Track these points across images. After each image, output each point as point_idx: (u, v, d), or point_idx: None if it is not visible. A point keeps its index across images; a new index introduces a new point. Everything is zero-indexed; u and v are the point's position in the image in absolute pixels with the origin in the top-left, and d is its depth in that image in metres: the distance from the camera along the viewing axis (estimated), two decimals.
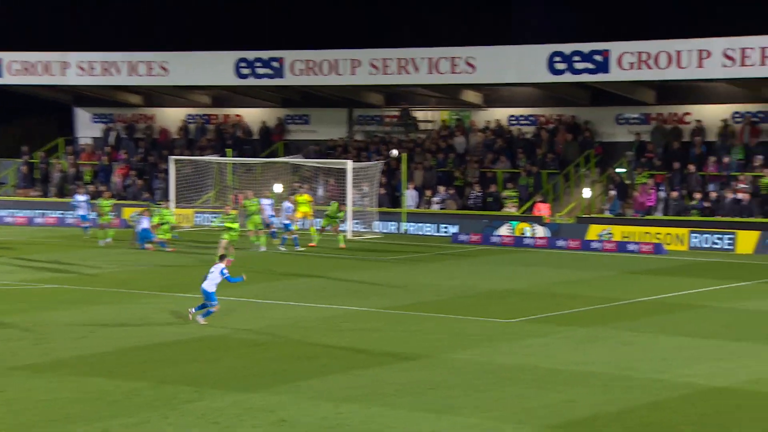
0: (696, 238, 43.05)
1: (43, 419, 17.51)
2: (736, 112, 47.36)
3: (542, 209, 46.79)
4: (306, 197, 45.90)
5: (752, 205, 43.53)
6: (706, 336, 25.59)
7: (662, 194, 45.57)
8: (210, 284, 26.14)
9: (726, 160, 45.66)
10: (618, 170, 47.43)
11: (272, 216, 44.49)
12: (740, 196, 43.70)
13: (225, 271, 26.33)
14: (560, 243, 43.90)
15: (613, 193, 46.45)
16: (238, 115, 58.46)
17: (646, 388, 20.64)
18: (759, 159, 44.77)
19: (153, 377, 20.62)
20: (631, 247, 42.51)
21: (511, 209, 47.97)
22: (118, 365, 21.72)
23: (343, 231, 45.05)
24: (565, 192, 49.07)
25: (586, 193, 47.40)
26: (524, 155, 50.14)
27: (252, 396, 19.24)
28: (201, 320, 26.11)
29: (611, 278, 36.13)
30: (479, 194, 49.16)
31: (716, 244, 42.73)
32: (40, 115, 76.47)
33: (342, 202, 46.90)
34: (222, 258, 27.62)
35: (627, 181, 46.99)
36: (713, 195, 44.43)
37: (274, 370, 21.51)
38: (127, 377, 20.57)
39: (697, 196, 44.64)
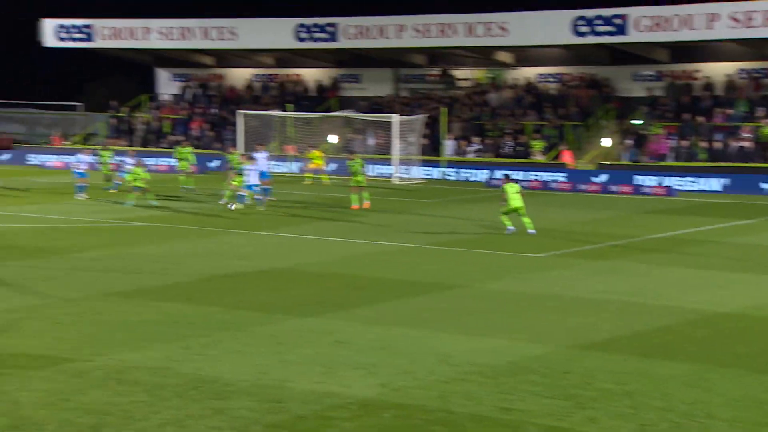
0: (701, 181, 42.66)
1: (134, 337, 17.77)
2: (741, 69, 46.82)
3: (566, 156, 46.51)
4: (317, 153, 46.24)
5: (754, 152, 43.03)
6: (713, 268, 25.37)
7: (673, 143, 45.15)
8: None
9: (730, 112, 45.09)
10: (634, 122, 47.01)
11: (265, 172, 38.41)
12: (743, 144, 43.20)
13: None
14: (582, 187, 43.64)
15: (629, 142, 46.06)
16: (297, 75, 58.39)
17: (657, 314, 20.56)
18: (761, 111, 44.21)
19: (226, 303, 20.76)
20: (645, 190, 42.16)
21: (537, 157, 47.72)
22: (195, 292, 21.93)
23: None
24: (587, 141, 48.76)
25: (606, 142, 47.09)
26: (550, 109, 49.85)
27: (312, 320, 19.33)
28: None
29: (627, 218, 35.91)
30: (511, 144, 48.97)
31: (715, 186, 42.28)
32: (126, 75, 76.77)
33: (389, 151, 46.77)
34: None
35: (642, 132, 46.58)
36: (718, 144, 43.92)
37: (332, 299, 21.56)
38: (202, 303, 20.77)
39: (704, 144, 44.16)
